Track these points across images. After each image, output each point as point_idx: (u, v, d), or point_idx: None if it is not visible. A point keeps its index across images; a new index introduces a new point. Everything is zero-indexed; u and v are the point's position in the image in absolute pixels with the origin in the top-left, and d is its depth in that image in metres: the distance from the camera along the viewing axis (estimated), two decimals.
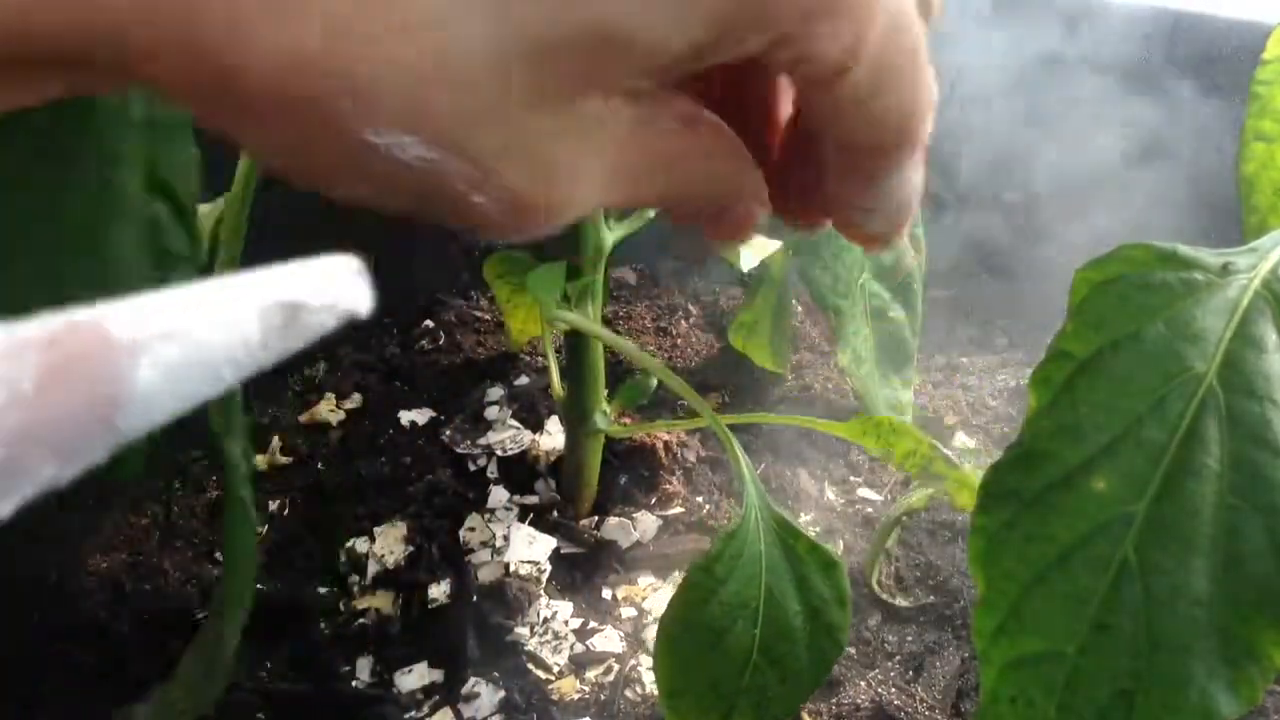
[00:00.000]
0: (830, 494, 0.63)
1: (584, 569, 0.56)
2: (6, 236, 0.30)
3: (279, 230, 0.61)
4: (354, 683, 0.51)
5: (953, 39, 0.78)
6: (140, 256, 0.32)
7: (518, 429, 0.64)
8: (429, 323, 0.77)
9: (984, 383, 0.74)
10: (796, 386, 0.72)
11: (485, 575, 0.54)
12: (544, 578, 0.54)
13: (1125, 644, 0.31)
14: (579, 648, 0.52)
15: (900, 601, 0.56)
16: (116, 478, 0.35)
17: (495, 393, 0.67)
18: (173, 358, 0.12)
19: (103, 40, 0.15)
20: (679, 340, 0.77)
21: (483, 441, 0.63)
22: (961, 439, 0.68)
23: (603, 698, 0.50)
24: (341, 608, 0.54)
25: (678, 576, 0.56)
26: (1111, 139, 0.78)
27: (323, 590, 0.55)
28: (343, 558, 0.57)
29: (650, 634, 0.52)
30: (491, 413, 0.65)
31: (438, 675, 0.51)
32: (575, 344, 0.53)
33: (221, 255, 0.39)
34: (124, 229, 0.32)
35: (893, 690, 0.50)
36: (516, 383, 0.70)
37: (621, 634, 0.53)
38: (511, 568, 0.54)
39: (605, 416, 0.55)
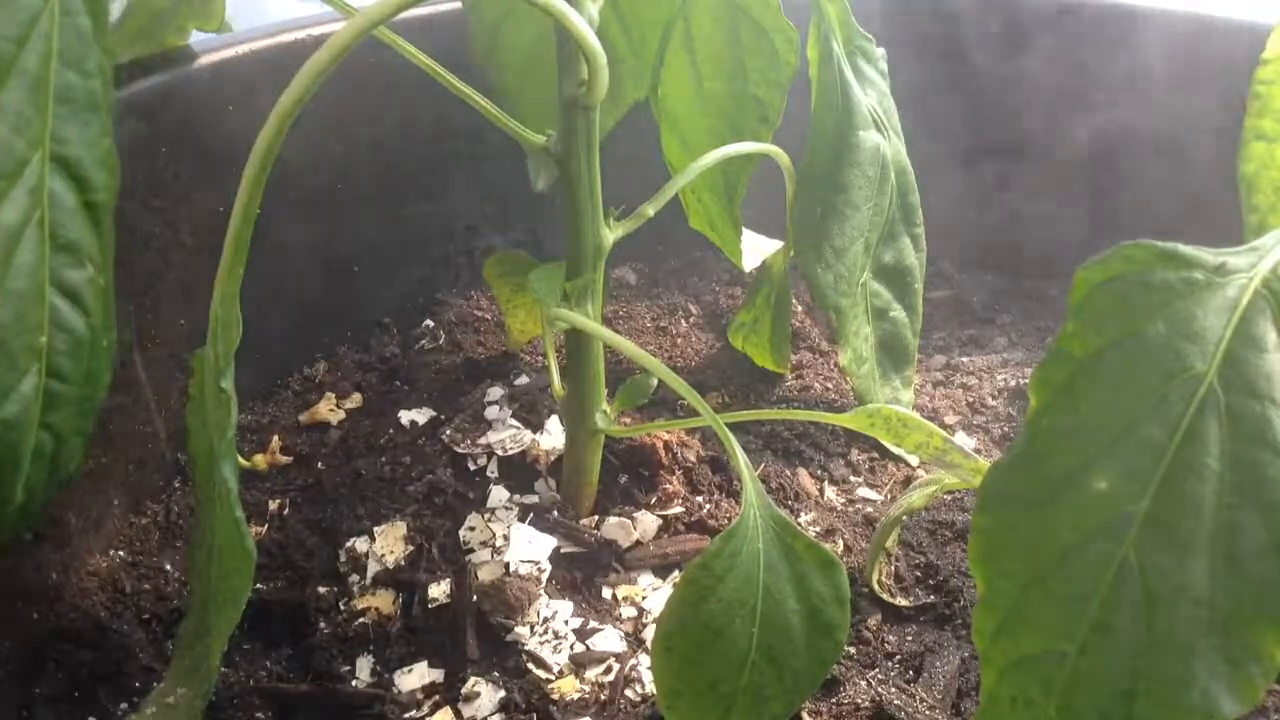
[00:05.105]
0: (830, 494, 0.63)
1: (584, 569, 0.56)
2: None
3: (282, 223, 0.62)
4: (354, 682, 0.51)
5: (942, 41, 0.78)
6: (28, 232, 0.30)
7: (518, 429, 0.64)
8: (429, 323, 0.77)
9: (984, 383, 0.74)
10: (796, 386, 0.72)
11: (485, 575, 0.54)
12: (544, 577, 0.54)
13: (1126, 644, 0.31)
14: (579, 648, 0.52)
15: (900, 601, 0.56)
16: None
17: (495, 393, 0.67)
18: None
19: None
20: (679, 340, 0.77)
21: (483, 441, 0.63)
22: (961, 439, 0.67)
23: (603, 698, 0.50)
24: (341, 608, 0.54)
25: (678, 576, 0.56)
26: (1113, 138, 0.78)
27: (323, 590, 0.55)
28: (343, 558, 0.57)
29: (650, 634, 0.52)
30: (491, 413, 0.65)
31: (438, 675, 0.51)
32: (575, 344, 0.53)
33: (229, 235, 0.38)
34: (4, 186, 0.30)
35: (893, 690, 0.50)
36: (516, 383, 0.70)
37: (621, 634, 0.53)
38: (511, 567, 0.54)
39: (605, 416, 0.55)
